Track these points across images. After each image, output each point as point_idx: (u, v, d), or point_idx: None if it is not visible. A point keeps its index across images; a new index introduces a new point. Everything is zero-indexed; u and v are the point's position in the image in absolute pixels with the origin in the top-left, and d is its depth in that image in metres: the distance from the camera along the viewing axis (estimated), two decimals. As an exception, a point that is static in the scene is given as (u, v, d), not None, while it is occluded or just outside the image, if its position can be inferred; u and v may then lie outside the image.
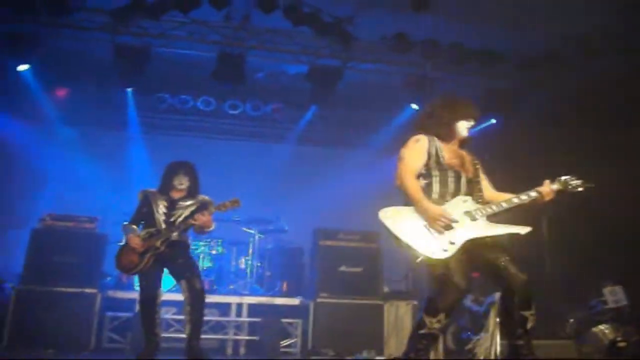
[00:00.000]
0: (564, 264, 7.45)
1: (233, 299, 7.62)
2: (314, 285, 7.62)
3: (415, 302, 7.71)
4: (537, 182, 4.01)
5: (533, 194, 3.88)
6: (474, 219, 3.74)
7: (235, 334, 7.50)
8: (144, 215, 5.47)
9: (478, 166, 4.10)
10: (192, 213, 5.43)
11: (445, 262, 3.59)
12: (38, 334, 6.53)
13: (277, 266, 8.52)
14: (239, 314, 7.57)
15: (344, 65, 8.32)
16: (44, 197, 8.70)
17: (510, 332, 3.69)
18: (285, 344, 7.43)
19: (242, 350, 7.48)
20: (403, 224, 3.66)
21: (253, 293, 8.06)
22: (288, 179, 9.41)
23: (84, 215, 7.44)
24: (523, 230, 3.72)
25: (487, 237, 3.73)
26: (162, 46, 7.92)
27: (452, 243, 3.61)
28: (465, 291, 3.64)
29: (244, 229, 8.51)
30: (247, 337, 7.47)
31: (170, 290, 6.93)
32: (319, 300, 7.41)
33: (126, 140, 9.55)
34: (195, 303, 5.25)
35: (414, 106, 8.77)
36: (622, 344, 5.84)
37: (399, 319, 7.52)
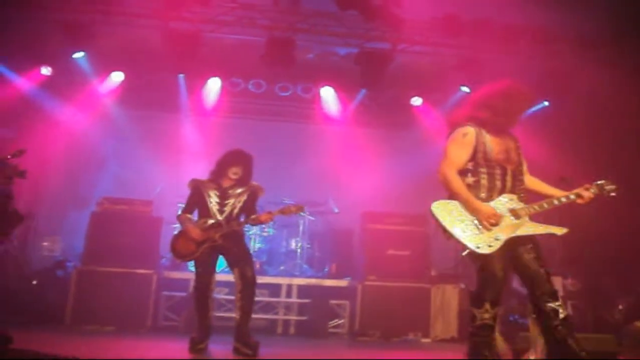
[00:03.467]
0: (616, 247, 7.31)
1: (283, 280, 7.84)
2: (362, 267, 7.73)
3: (463, 286, 7.73)
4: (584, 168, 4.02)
5: (572, 197, 3.99)
6: (518, 217, 3.88)
7: (285, 314, 7.72)
8: (197, 204, 5.67)
9: (520, 150, 4.12)
10: (245, 202, 5.63)
11: (486, 255, 3.77)
12: (98, 313, 6.93)
13: (326, 248, 8.68)
14: (288, 295, 7.79)
15: (394, 48, 8.20)
16: (103, 179, 9.08)
17: (546, 326, 3.81)
18: (333, 325, 7.64)
19: (291, 330, 7.69)
20: (452, 217, 3.85)
21: (303, 274, 8.24)
22: (338, 160, 9.44)
23: (139, 198, 7.77)
24: (560, 231, 3.89)
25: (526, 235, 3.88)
26: (211, 31, 7.99)
27: (497, 239, 3.79)
28: (503, 281, 3.81)
29: (295, 211, 8.63)
30: (296, 317, 7.68)
31: (222, 271, 7.15)
32: (367, 282, 7.56)
33: (179, 123, 9.75)
34: (246, 290, 5.48)
35: (465, 89, 8.66)
36: None
37: (445, 302, 7.61)
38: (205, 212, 5.59)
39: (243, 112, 10.15)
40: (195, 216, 5.67)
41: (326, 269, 8.42)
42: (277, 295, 7.75)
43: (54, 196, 8.57)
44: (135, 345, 5.94)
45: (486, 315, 3.81)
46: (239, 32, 8.17)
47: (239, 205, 5.61)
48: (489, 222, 3.80)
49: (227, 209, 5.58)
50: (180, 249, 5.56)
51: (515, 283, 7.50)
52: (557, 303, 3.79)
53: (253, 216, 5.59)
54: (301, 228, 8.59)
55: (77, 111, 9.15)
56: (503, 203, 3.93)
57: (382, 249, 7.72)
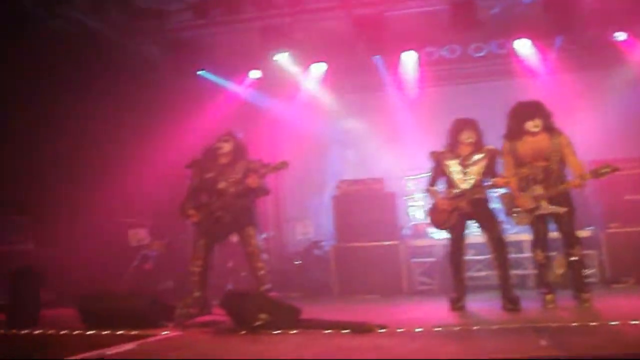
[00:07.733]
0: None
1: (525, 237, 7.89)
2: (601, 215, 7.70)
3: None
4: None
5: None
6: None
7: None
8: (440, 175, 6.10)
9: None
10: (486, 167, 5.90)
11: None
12: (359, 283, 7.67)
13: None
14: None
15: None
16: (332, 163, 9.78)
17: None
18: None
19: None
20: None
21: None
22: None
23: (370, 177, 8.29)
24: None
25: None
26: (395, 10, 8.26)
27: None
28: None
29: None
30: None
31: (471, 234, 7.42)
32: (609, 230, 7.56)
33: (386, 100, 10.08)
34: (497, 251, 5.87)
35: None
36: None
37: None
38: (450, 182, 5.99)
39: (441, 80, 10.19)
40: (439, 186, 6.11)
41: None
42: (522, 252, 7.85)
43: (293, 184, 9.36)
44: (400, 310, 6.46)
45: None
46: (421, 4, 8.34)
47: (481, 171, 5.89)
48: None
49: (471, 177, 5.88)
50: (436, 219, 6.10)
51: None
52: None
53: (489, 182, 5.86)
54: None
55: (287, 105, 9.85)
56: None
57: (619, 194, 7.59)
